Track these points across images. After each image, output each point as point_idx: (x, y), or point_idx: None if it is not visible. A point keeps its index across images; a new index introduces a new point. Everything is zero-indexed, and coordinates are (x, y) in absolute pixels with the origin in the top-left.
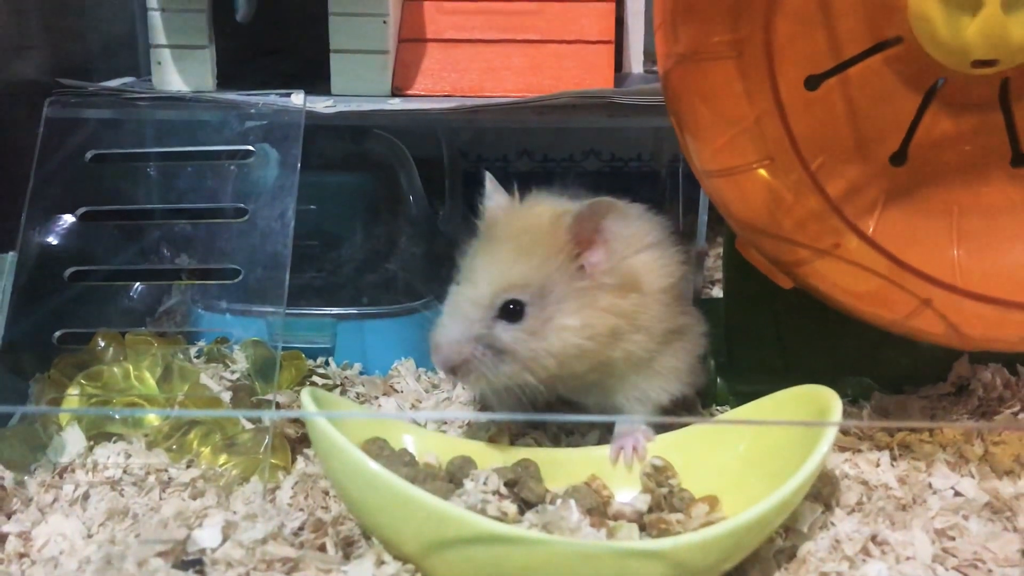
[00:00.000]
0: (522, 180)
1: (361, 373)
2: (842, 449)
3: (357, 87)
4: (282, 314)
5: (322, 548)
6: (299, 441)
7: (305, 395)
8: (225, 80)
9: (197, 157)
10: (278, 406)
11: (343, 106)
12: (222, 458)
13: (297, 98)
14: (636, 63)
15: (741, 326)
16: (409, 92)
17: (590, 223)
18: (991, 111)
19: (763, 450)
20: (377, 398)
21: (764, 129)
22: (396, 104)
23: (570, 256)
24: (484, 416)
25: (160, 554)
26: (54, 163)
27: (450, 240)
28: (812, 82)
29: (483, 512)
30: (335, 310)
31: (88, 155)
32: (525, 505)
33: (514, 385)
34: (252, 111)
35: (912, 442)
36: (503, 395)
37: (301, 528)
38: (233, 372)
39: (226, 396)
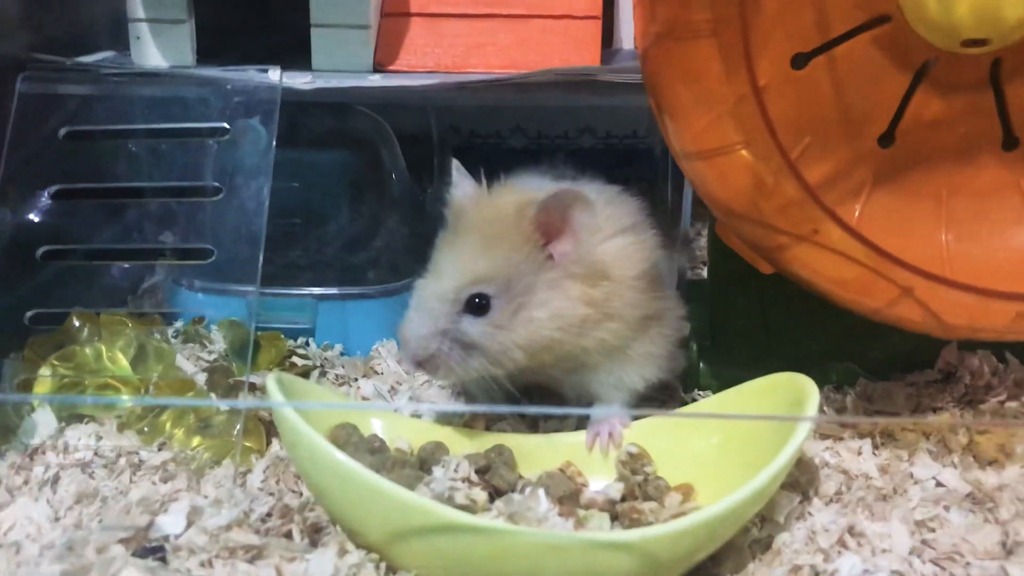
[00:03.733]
0: (515, 157)
1: (342, 354)
2: (823, 436)
3: (338, 62)
4: (256, 293)
5: (288, 535)
6: (274, 423)
7: (271, 381)
8: (205, 54)
9: (171, 135)
10: (253, 387)
11: (322, 82)
12: (195, 440)
13: (274, 74)
14: (627, 39)
15: (725, 309)
16: (391, 68)
17: (556, 213)
18: (982, 92)
19: (739, 438)
20: (356, 380)
21: (744, 111)
22: (376, 80)
23: (537, 246)
24: (456, 408)
25: (122, 540)
26: (27, 140)
27: (437, 218)
28: (799, 61)
29: (451, 500)
30: (316, 290)
31: (62, 132)
32: (496, 493)
33: (484, 376)
34: (228, 87)
35: (895, 430)
36: (479, 381)
37: (269, 514)
38: (210, 353)
39: (202, 378)
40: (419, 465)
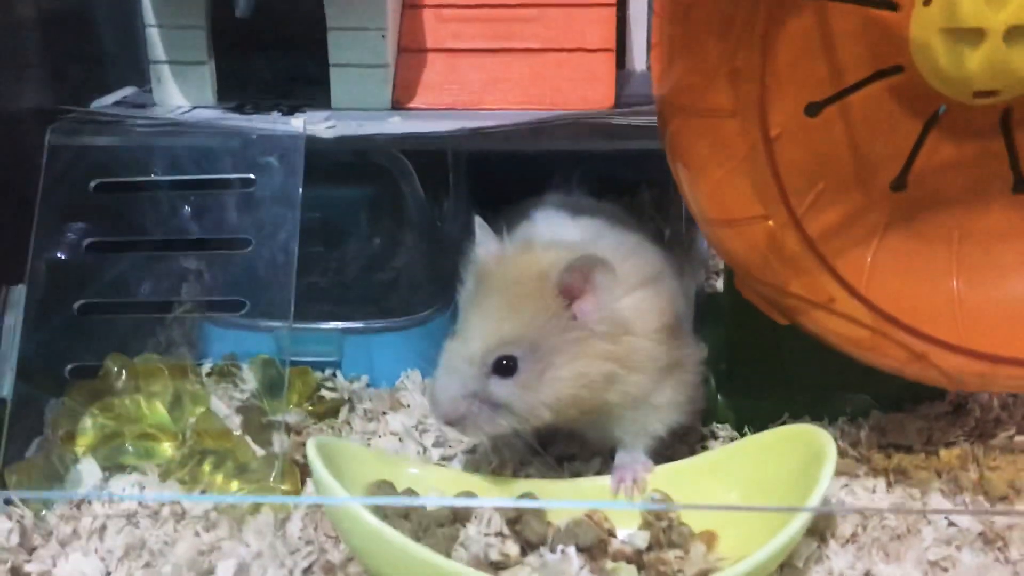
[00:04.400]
0: (530, 163)
1: (368, 385)
2: (839, 474)
3: (357, 100)
4: (288, 328)
5: None
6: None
7: (311, 450)
8: (225, 87)
9: (199, 186)
10: (288, 428)
11: (343, 129)
12: (234, 484)
13: (297, 122)
14: (639, 61)
15: (741, 341)
16: (410, 105)
17: (578, 276)
18: (993, 137)
19: (761, 486)
20: (384, 413)
21: (757, 168)
22: (397, 126)
23: (560, 307)
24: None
25: None
26: (58, 193)
27: (454, 240)
28: (812, 109)
29: (486, 558)
30: (341, 324)
31: (92, 184)
32: (528, 545)
33: (512, 432)
34: (254, 136)
35: (908, 467)
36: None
37: (310, 568)
38: (242, 392)
39: (236, 420)
40: (452, 517)
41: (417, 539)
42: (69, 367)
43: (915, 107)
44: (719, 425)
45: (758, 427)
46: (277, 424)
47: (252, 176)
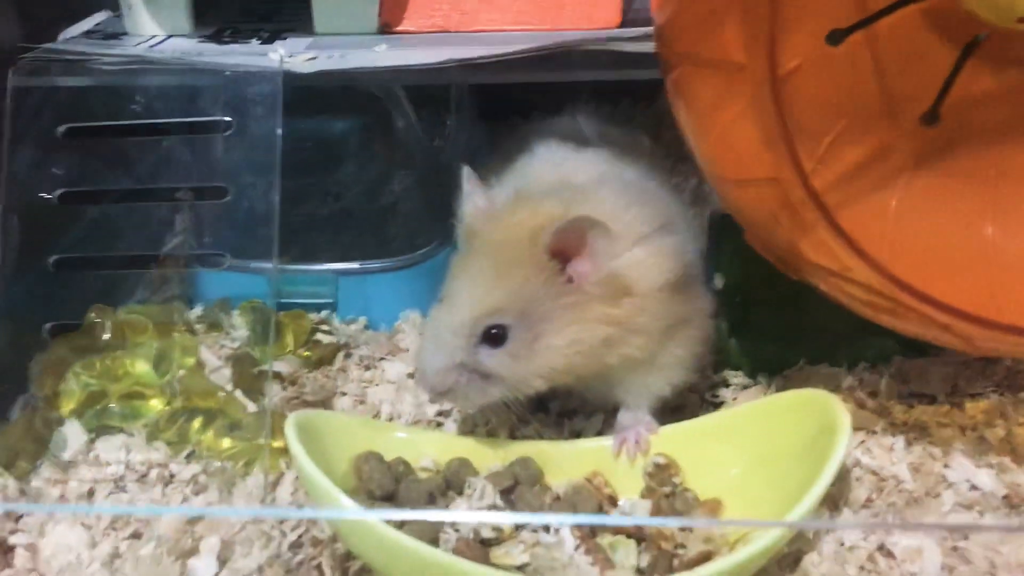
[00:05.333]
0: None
1: (366, 327)
2: (856, 429)
3: (341, 23)
4: (275, 271)
5: (318, 568)
6: None
7: (290, 430)
8: (202, 11)
9: (173, 130)
10: (281, 377)
11: (324, 62)
12: (225, 442)
13: (274, 55)
14: None
15: (757, 281)
16: (398, 28)
17: (571, 236)
18: None
19: (769, 453)
20: (382, 359)
21: (767, 112)
22: (382, 58)
23: (553, 271)
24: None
25: None
26: (27, 139)
27: (457, 168)
28: (835, 37)
29: (477, 535)
30: (336, 266)
31: (61, 129)
32: None
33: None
34: (227, 73)
35: (929, 423)
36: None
37: (299, 544)
38: (234, 340)
39: (226, 372)
40: (445, 485)
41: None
42: (48, 325)
43: (950, 34)
44: (732, 372)
45: (773, 373)
46: (268, 375)
47: (228, 119)
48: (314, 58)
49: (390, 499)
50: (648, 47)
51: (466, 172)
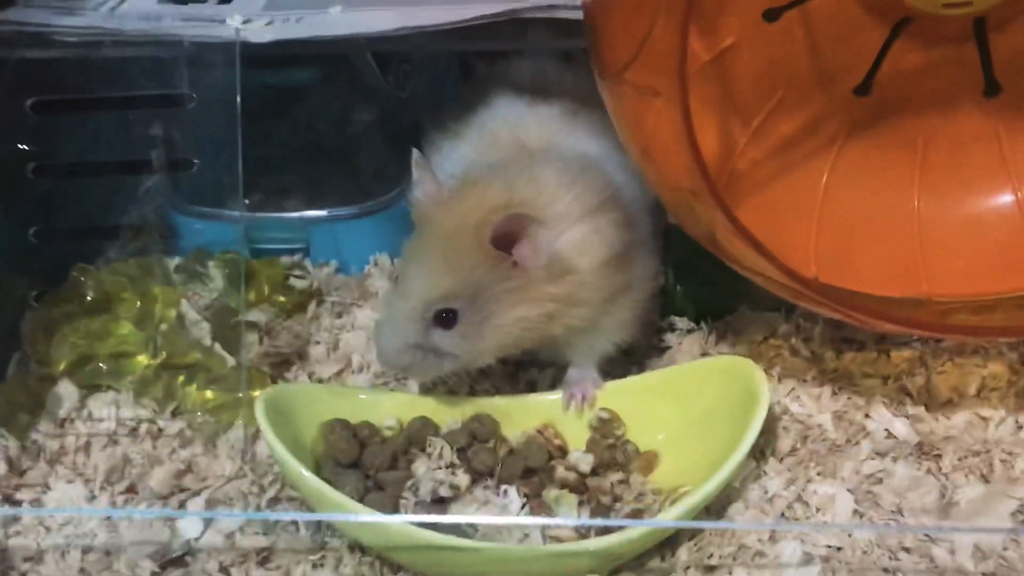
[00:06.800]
0: None
1: (337, 271)
2: (785, 376)
3: None
4: (242, 220)
5: (294, 524)
6: (278, 366)
7: (259, 411)
8: None
9: (136, 103)
10: (257, 327)
11: (280, 30)
12: (208, 394)
13: (231, 23)
14: None
15: None
16: None
17: (513, 229)
18: (962, 43)
19: (701, 411)
20: (352, 304)
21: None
22: (338, 25)
23: (498, 257)
24: None
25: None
26: None
27: (419, 111)
28: (772, 14)
29: (436, 494)
30: (306, 214)
31: (29, 102)
32: (476, 475)
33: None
34: (186, 44)
35: (855, 372)
36: None
37: (276, 499)
38: (212, 292)
39: (205, 326)
40: (407, 443)
41: (367, 477)
42: (35, 293)
43: (881, 12)
44: (677, 318)
45: (715, 318)
46: (242, 328)
47: (191, 93)
48: (271, 22)
49: (355, 465)
50: None
51: (416, 156)
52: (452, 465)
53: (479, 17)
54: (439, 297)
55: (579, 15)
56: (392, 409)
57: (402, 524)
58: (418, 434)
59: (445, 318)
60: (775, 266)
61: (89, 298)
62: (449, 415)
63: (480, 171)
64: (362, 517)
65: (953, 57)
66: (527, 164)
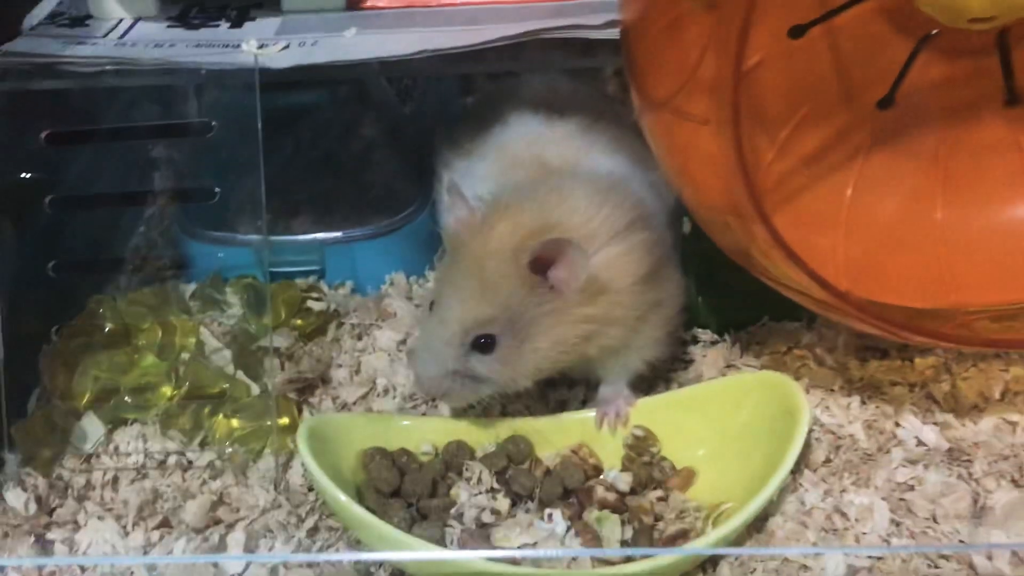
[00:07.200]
0: None
1: (353, 291)
2: (814, 387)
3: (308, 1)
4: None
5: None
6: (302, 392)
7: (302, 442)
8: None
9: (155, 133)
10: (278, 351)
11: (297, 52)
12: (234, 423)
13: (248, 48)
14: None
15: None
16: (365, 5)
17: (550, 253)
18: (986, 56)
19: (736, 426)
20: (371, 327)
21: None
22: (353, 47)
23: (535, 281)
24: None
25: None
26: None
27: (426, 126)
28: (797, 31)
29: (479, 520)
30: (321, 235)
31: (43, 135)
32: (516, 497)
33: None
34: (203, 72)
35: (882, 380)
36: None
37: (316, 528)
38: (230, 317)
39: (226, 354)
40: (444, 468)
41: (409, 505)
42: (55, 328)
43: (904, 27)
44: (700, 330)
45: (738, 330)
46: (266, 350)
47: (210, 121)
48: (286, 47)
49: (396, 493)
50: (617, 33)
51: (448, 182)
52: (492, 489)
53: (500, 39)
54: (477, 323)
55: (597, 35)
56: (427, 434)
57: (474, 559)
58: (454, 458)
59: (484, 344)
60: (816, 282)
61: (107, 329)
62: (484, 437)
63: (509, 193)
64: (430, 555)
65: (975, 68)
66: (555, 185)
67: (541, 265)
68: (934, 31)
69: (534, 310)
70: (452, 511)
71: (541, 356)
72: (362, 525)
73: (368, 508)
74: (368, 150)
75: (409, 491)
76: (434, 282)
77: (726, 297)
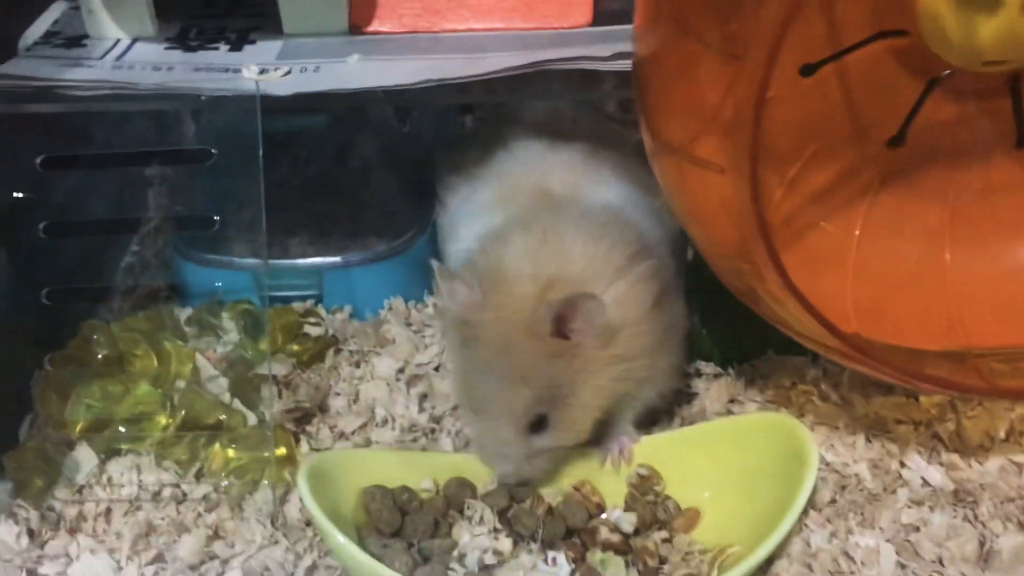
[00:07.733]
0: None
1: (352, 316)
2: (818, 424)
3: (310, 23)
4: (264, 267)
5: None
6: (299, 421)
7: (304, 488)
8: (162, 5)
9: (153, 159)
10: (275, 379)
11: (299, 79)
12: (230, 452)
13: (249, 74)
14: None
15: None
16: (368, 29)
17: (566, 313)
18: (995, 97)
19: (742, 467)
20: (369, 354)
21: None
22: (356, 74)
23: (559, 345)
24: None
25: None
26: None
27: (423, 147)
28: (808, 69)
29: (482, 563)
30: (320, 260)
31: (38, 160)
32: (519, 537)
33: None
34: (203, 98)
35: (887, 418)
36: None
37: (313, 567)
38: (225, 344)
39: (222, 382)
40: (445, 506)
41: (411, 546)
42: (48, 356)
43: (918, 69)
44: (704, 363)
45: (742, 363)
46: (264, 378)
47: (211, 149)
48: (288, 72)
49: (397, 534)
50: (625, 65)
51: (437, 267)
52: (495, 529)
53: (506, 69)
54: (526, 411)
55: (605, 67)
56: (428, 470)
57: None
58: (456, 496)
59: (539, 423)
60: (828, 331)
61: (100, 356)
62: (484, 473)
63: (500, 245)
64: None
65: (985, 109)
66: (550, 227)
67: (559, 326)
68: (945, 72)
69: (568, 371)
70: (454, 552)
71: (591, 410)
72: (363, 570)
73: (369, 551)
74: (366, 172)
75: (411, 532)
76: (456, 373)
77: (730, 329)
